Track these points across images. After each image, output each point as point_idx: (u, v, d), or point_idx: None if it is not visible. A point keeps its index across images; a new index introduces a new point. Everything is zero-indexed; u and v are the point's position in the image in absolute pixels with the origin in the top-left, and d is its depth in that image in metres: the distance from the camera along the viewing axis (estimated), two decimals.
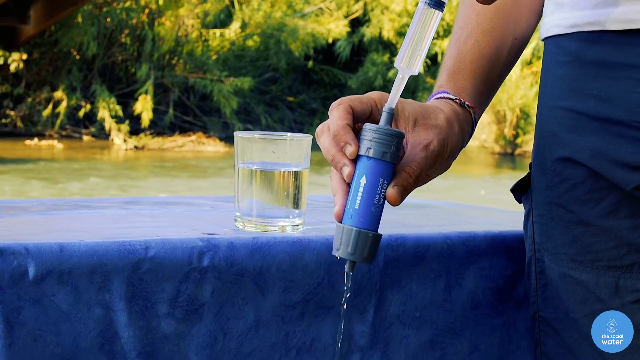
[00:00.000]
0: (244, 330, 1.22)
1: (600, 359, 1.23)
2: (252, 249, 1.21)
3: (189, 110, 18.73)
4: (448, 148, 1.12)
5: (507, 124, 18.15)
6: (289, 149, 1.29)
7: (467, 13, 1.30)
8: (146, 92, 17.39)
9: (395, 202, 1.04)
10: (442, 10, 1.05)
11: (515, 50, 1.30)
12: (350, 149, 1.03)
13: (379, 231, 1.04)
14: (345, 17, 20.75)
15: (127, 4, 18.51)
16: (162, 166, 14.25)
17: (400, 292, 1.31)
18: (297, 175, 1.28)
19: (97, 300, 1.13)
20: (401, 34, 20.33)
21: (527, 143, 18.35)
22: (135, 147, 16.63)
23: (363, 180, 1.02)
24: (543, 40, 1.28)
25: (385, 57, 20.16)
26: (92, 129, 17.53)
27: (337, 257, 1.05)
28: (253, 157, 1.28)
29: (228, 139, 17.64)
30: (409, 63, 1.05)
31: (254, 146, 1.28)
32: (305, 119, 20.15)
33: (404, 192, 1.05)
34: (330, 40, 20.23)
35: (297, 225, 1.30)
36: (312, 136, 1.30)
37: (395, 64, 1.06)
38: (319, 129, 1.08)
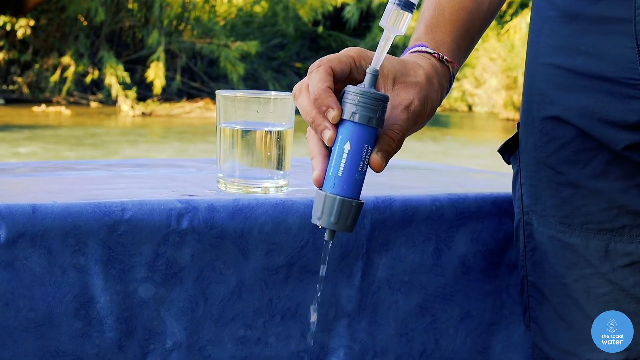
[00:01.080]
0: (225, 295, 1.18)
1: (589, 322, 1.19)
2: (232, 210, 1.17)
3: (197, 76, 18.66)
4: (428, 107, 1.07)
5: (517, 90, 18.04)
6: (272, 108, 1.24)
7: None
8: (158, 59, 17.31)
9: (379, 169, 1.00)
10: None
11: (495, 3, 1.24)
12: (332, 114, 0.98)
13: (360, 198, 1.00)
14: None
15: None
16: (171, 132, 14.22)
17: (388, 255, 1.27)
18: (280, 134, 1.24)
19: (71, 264, 1.10)
20: None
21: None
22: (143, 113, 16.58)
23: (347, 146, 0.97)
24: None
25: None
26: (100, 95, 17.48)
27: (318, 226, 1.00)
28: (236, 117, 1.24)
29: None
30: (395, 22, 1.00)
31: (237, 105, 1.24)
32: None
33: (387, 157, 1.01)
34: (339, 5, 20.10)
35: (281, 187, 1.26)
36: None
37: (380, 23, 1.02)
38: (296, 88, 1.03)
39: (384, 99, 0.98)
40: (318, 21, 20.35)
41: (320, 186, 0.99)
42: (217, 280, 1.17)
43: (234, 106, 1.24)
